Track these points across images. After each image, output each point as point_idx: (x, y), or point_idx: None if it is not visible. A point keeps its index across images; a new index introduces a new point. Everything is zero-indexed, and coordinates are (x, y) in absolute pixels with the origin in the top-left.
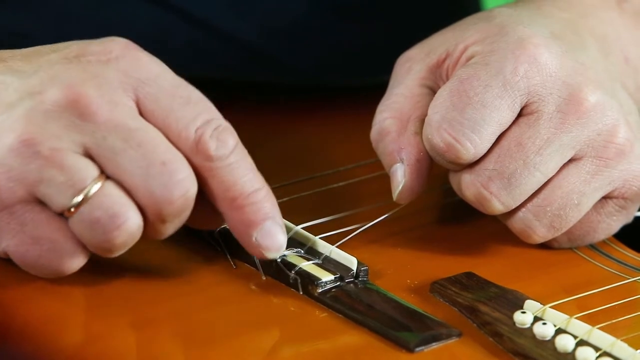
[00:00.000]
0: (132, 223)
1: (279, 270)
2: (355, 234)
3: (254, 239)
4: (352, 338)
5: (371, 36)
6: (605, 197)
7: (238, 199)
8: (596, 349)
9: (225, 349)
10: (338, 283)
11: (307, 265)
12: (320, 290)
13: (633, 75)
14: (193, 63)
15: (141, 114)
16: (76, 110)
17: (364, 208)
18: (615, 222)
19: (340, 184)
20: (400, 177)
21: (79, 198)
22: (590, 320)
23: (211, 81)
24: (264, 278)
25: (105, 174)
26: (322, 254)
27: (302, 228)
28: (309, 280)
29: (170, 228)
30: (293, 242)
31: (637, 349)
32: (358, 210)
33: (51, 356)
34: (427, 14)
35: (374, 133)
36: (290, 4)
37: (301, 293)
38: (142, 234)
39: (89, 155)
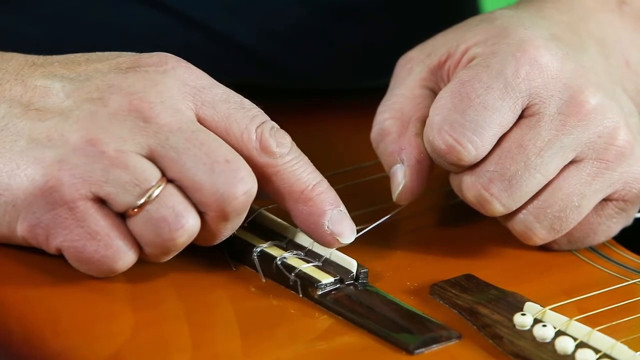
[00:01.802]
0: (193, 224)
1: (279, 273)
2: (355, 236)
3: (326, 227)
4: (352, 340)
5: (370, 38)
6: (606, 200)
7: (305, 192)
8: (596, 351)
9: (225, 350)
10: (338, 285)
11: (307, 268)
12: (320, 293)
13: (633, 78)
14: None
15: (199, 121)
16: (140, 114)
17: (363, 210)
18: (615, 224)
19: (340, 186)
20: (400, 178)
21: (145, 197)
22: (590, 322)
23: None
24: (264, 280)
25: (166, 177)
26: (322, 256)
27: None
28: (308, 282)
29: (229, 228)
30: (293, 244)
31: (637, 351)
32: (358, 212)
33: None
34: (426, 16)
35: (374, 133)
36: (288, 6)
37: (301, 295)
38: (199, 238)
39: (152, 158)
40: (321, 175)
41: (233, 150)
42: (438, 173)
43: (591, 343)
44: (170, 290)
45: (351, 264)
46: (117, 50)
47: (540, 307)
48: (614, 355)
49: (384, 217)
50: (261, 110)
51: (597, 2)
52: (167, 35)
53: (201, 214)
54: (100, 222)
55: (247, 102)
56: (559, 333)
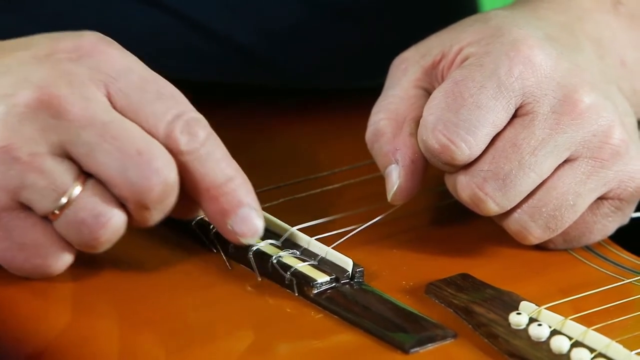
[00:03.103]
0: (116, 220)
1: (274, 272)
2: (351, 236)
3: (229, 226)
4: (348, 339)
5: (369, 39)
6: (601, 198)
7: (211, 190)
8: (591, 350)
9: (221, 349)
10: (333, 284)
11: (303, 267)
12: (315, 292)
13: (629, 78)
14: (189, 65)
15: (114, 108)
16: (50, 110)
17: (359, 209)
18: (610, 223)
19: (336, 185)
20: (395, 178)
21: (63, 201)
22: (586, 321)
23: (207, 84)
24: (259, 279)
25: (84, 174)
26: (317, 255)
27: (298, 229)
28: (304, 281)
29: (155, 215)
30: (288, 243)
31: (632, 350)
32: (353, 211)
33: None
34: (425, 17)
35: (369, 134)
36: (287, 6)
37: (297, 294)
38: (131, 225)
39: (66, 154)
40: (236, 169)
41: (149, 137)
42: (433, 172)
43: (586, 342)
44: (165, 289)
45: (347, 263)
46: None
47: (535, 306)
48: (609, 354)
49: (378, 216)
50: (181, 100)
51: (592, 2)
52: (166, 35)
53: (125, 205)
54: (26, 232)
55: (166, 90)
56: (554, 332)
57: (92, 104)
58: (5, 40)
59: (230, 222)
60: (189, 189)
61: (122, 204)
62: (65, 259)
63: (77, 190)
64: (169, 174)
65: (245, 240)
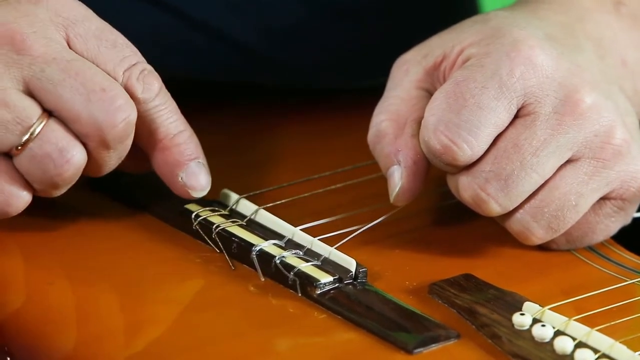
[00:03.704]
0: (79, 156)
1: (277, 272)
2: (354, 236)
3: (179, 178)
4: (351, 339)
5: (369, 38)
6: (603, 198)
7: (164, 140)
8: (595, 351)
9: (224, 350)
10: (337, 284)
11: (306, 267)
12: (319, 292)
13: (630, 77)
14: (189, 64)
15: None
16: (12, 46)
17: (362, 210)
18: (613, 223)
19: (339, 185)
20: (398, 179)
21: (27, 135)
22: (589, 322)
23: (207, 83)
24: (262, 279)
25: (47, 111)
26: (321, 255)
27: (301, 229)
28: (307, 281)
29: (113, 156)
30: (292, 243)
31: (636, 351)
32: (357, 211)
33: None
34: (425, 17)
35: (371, 135)
36: (287, 6)
37: (300, 294)
38: (87, 169)
39: (29, 91)
40: (186, 124)
41: (110, 78)
42: (435, 173)
43: (590, 343)
44: (168, 289)
45: (350, 263)
46: None
47: (539, 306)
48: (612, 355)
49: (381, 216)
50: (135, 51)
51: (593, 2)
52: (166, 33)
53: (85, 145)
54: None
55: (121, 40)
56: (558, 333)
57: (53, 43)
58: None
59: (181, 173)
60: (140, 139)
61: (83, 143)
62: (24, 199)
63: (41, 125)
64: (132, 113)
65: (195, 194)
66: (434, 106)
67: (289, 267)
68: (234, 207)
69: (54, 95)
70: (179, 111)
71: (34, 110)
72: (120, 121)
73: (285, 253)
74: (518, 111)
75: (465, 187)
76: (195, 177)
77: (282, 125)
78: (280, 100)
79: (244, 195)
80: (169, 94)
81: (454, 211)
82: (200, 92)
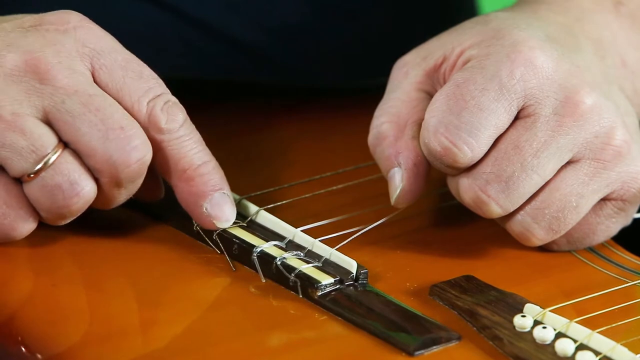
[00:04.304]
0: (89, 190)
1: (278, 273)
2: (355, 237)
3: (204, 209)
4: (352, 341)
5: (369, 38)
6: (604, 199)
7: (188, 171)
8: (596, 353)
9: (225, 351)
10: (338, 286)
11: (307, 268)
12: (320, 293)
13: (630, 78)
14: (187, 63)
15: (96, 84)
16: (36, 75)
17: (363, 211)
18: (614, 224)
19: (340, 186)
20: (398, 181)
21: (41, 164)
22: (590, 324)
23: (207, 82)
24: (263, 281)
25: (63, 142)
26: (321, 256)
27: (302, 231)
28: (308, 283)
29: (123, 194)
30: (293, 244)
31: (637, 353)
32: (357, 213)
33: None
34: (425, 16)
35: (371, 138)
36: (288, 4)
37: (301, 296)
38: (96, 202)
39: (48, 121)
40: (211, 156)
41: (129, 116)
42: (436, 175)
43: (591, 345)
44: (170, 291)
45: (351, 264)
46: None
47: (540, 308)
48: (614, 357)
49: (382, 218)
50: (160, 82)
51: (593, 3)
52: (165, 32)
53: (96, 179)
54: None
55: (147, 72)
56: (559, 335)
57: (78, 75)
58: None
59: (205, 204)
60: (163, 170)
61: (94, 178)
62: (30, 225)
63: (55, 155)
64: (147, 154)
65: (219, 225)
66: (434, 108)
67: (290, 269)
68: None
69: (72, 127)
70: (203, 142)
71: (50, 139)
72: (135, 161)
73: (286, 254)
74: (518, 113)
75: (466, 189)
76: (219, 207)
77: (282, 125)
78: (280, 100)
79: (245, 196)
80: (193, 126)
81: (454, 213)
82: (200, 91)
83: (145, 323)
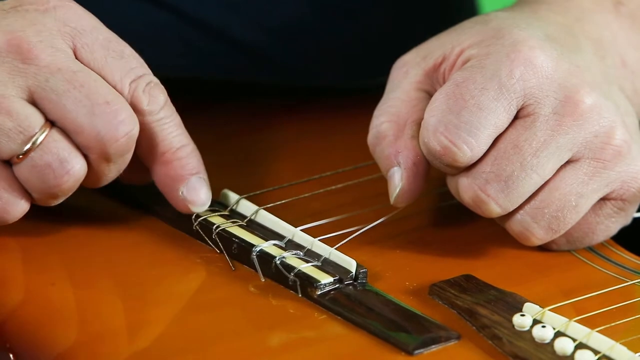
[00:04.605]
0: (79, 168)
1: (278, 272)
2: (354, 236)
3: (180, 192)
4: (351, 340)
5: (368, 37)
6: (604, 199)
7: (167, 154)
8: (595, 352)
9: (224, 351)
10: (337, 285)
11: (306, 267)
12: (319, 293)
13: (630, 78)
14: (187, 63)
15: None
16: (19, 55)
17: (362, 210)
18: (613, 223)
19: (339, 185)
20: (398, 180)
21: (29, 144)
22: (589, 323)
23: (206, 81)
24: (263, 280)
25: (50, 121)
26: (321, 256)
27: (301, 230)
28: (308, 282)
29: (113, 169)
30: (292, 244)
31: (636, 352)
32: (357, 212)
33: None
34: (425, 16)
35: (371, 137)
36: (288, 4)
37: (300, 295)
38: (86, 180)
39: (33, 100)
40: (189, 139)
41: (114, 91)
42: (436, 174)
43: (590, 344)
44: (168, 290)
45: (350, 264)
46: None
47: (539, 307)
48: (613, 356)
49: (382, 217)
50: (142, 63)
51: (593, 2)
52: (165, 32)
53: (85, 156)
54: None
55: (128, 51)
56: (559, 334)
57: (60, 53)
58: None
59: (182, 188)
60: (143, 151)
61: (83, 155)
62: (22, 207)
63: (43, 134)
64: (134, 127)
65: (194, 208)
66: (434, 107)
67: (289, 268)
68: (234, 207)
69: (57, 105)
70: (182, 125)
71: (37, 119)
72: (123, 135)
73: (285, 254)
74: (518, 112)
75: (465, 189)
76: (195, 191)
77: (282, 124)
78: (280, 100)
79: (244, 196)
80: (173, 108)
81: (454, 212)
82: (200, 90)
83: (144, 322)
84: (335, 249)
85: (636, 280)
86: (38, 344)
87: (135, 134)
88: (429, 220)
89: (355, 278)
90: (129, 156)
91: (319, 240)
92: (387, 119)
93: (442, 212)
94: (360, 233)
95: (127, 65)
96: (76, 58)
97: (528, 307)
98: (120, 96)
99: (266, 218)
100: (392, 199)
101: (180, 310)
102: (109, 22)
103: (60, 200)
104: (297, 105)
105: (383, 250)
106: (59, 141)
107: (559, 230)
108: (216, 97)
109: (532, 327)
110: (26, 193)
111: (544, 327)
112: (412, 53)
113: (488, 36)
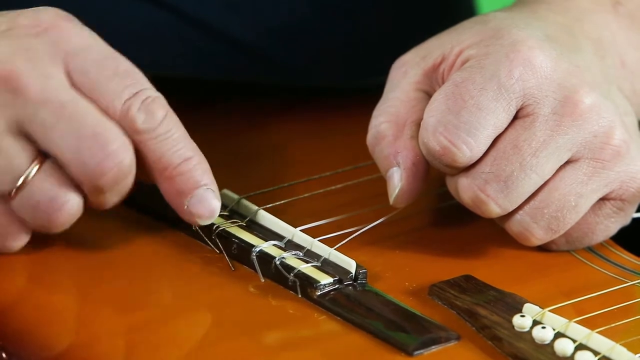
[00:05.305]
0: (72, 204)
1: (277, 273)
2: (354, 237)
3: (185, 207)
4: (351, 341)
5: (368, 37)
6: (603, 199)
7: (167, 170)
8: (595, 353)
9: (224, 351)
10: (337, 286)
11: (306, 268)
12: (319, 293)
13: (629, 78)
14: (187, 63)
15: (72, 85)
16: (7, 86)
17: (362, 210)
18: (613, 223)
19: (339, 186)
20: (397, 181)
21: (19, 182)
22: (589, 324)
23: (206, 82)
24: (262, 280)
25: (41, 154)
26: (320, 256)
27: (301, 230)
28: (307, 282)
29: (111, 198)
30: (292, 244)
31: (636, 353)
32: (356, 212)
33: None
34: (424, 16)
35: (370, 137)
36: (288, 4)
37: (300, 296)
38: (88, 206)
39: (23, 132)
40: (193, 151)
41: (105, 119)
42: (435, 174)
43: (590, 345)
44: (168, 290)
45: (350, 264)
46: (114, 46)
47: (539, 308)
48: (613, 357)
49: (381, 217)
50: (139, 77)
51: (592, 3)
52: (165, 32)
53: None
54: None
55: (123, 67)
56: (559, 335)
57: (51, 81)
58: None
59: (186, 202)
60: (146, 169)
61: (78, 186)
62: (22, 239)
63: (33, 171)
64: (124, 158)
65: (202, 222)
66: (433, 107)
67: (289, 268)
68: (233, 207)
69: (45, 139)
70: (186, 137)
71: (27, 155)
72: (110, 168)
73: (285, 254)
74: (517, 112)
75: (465, 189)
76: (201, 204)
77: (282, 124)
78: (280, 100)
79: (244, 196)
80: (175, 120)
81: (453, 212)
82: (200, 90)
83: (144, 323)
84: (335, 249)
85: (636, 281)
86: (35, 345)
87: (127, 164)
88: (428, 220)
89: (355, 278)
90: (126, 183)
91: (318, 240)
92: (386, 119)
93: (442, 212)
94: (360, 233)
95: (122, 83)
96: (70, 81)
97: (528, 307)
98: (111, 124)
99: (266, 218)
100: (391, 200)
101: (179, 310)
102: (109, 22)
103: (61, 230)
104: (297, 105)
105: (383, 250)
106: (50, 177)
107: (559, 230)
108: (216, 97)
109: (532, 327)
110: (25, 226)
111: (544, 327)
112: (411, 53)
113: (487, 36)
